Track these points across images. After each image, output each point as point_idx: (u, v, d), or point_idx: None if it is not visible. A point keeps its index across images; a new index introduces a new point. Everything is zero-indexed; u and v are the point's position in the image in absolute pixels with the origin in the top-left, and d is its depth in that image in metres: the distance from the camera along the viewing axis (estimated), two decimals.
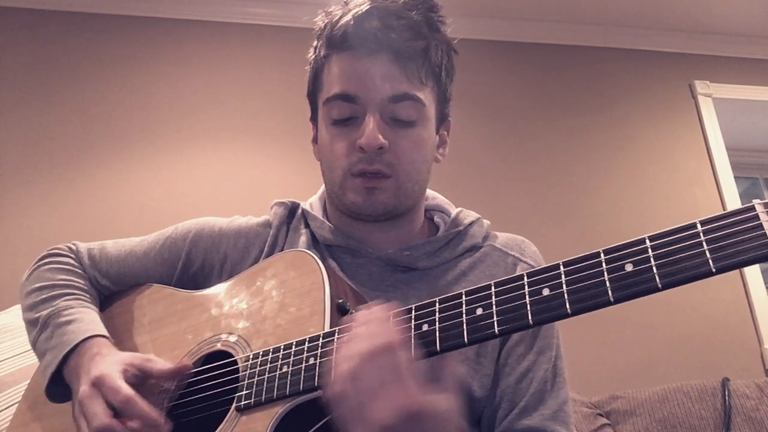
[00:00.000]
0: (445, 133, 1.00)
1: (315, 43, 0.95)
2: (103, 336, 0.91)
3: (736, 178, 2.82)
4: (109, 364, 0.82)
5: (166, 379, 0.85)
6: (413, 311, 0.68)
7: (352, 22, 0.86)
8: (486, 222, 1.02)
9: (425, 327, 0.66)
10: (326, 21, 0.92)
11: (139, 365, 0.84)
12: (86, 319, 0.93)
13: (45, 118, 2.42)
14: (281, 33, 2.69)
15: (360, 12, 0.86)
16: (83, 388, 0.81)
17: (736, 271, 2.62)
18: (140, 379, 0.84)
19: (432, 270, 0.94)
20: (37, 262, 1.05)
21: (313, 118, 1.00)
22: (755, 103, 2.99)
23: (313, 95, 0.97)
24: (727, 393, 1.97)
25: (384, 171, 0.87)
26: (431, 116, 0.93)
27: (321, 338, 0.73)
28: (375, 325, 0.64)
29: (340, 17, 0.89)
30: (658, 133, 2.87)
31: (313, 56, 0.95)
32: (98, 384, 0.80)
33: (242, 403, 0.75)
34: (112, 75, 2.54)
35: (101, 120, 2.46)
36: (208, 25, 2.69)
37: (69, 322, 0.92)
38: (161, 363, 0.85)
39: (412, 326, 0.66)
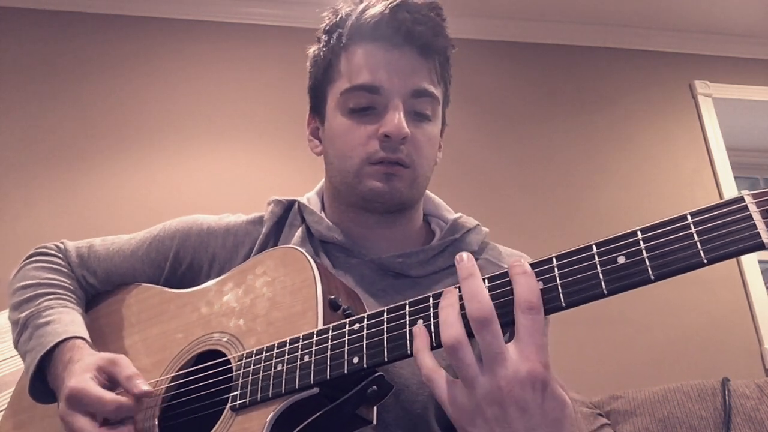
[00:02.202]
0: (440, 137, 1.00)
1: (325, 35, 0.95)
2: (81, 337, 0.89)
3: (736, 178, 2.82)
4: (80, 373, 0.80)
5: (131, 391, 0.80)
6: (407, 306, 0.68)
7: (387, 12, 0.87)
8: (484, 230, 1.01)
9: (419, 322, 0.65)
10: (344, 13, 0.92)
11: (105, 368, 0.82)
12: (65, 320, 0.91)
13: (45, 118, 2.42)
14: (281, 33, 2.69)
15: (393, 3, 0.87)
16: (61, 406, 0.80)
17: (737, 271, 2.62)
18: (110, 380, 0.82)
19: (424, 278, 0.93)
20: (24, 261, 1.04)
21: (317, 111, 0.99)
22: (755, 103, 2.98)
23: (320, 87, 0.96)
24: (727, 393, 1.97)
25: (404, 160, 0.88)
26: (440, 116, 0.95)
27: (315, 335, 0.72)
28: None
29: (367, 8, 0.89)
30: (658, 133, 2.86)
31: (324, 47, 0.94)
32: (73, 399, 0.78)
33: (237, 402, 0.75)
34: (112, 75, 2.54)
35: (101, 119, 2.46)
36: (208, 25, 2.69)
37: (47, 323, 0.90)
38: (126, 369, 0.81)
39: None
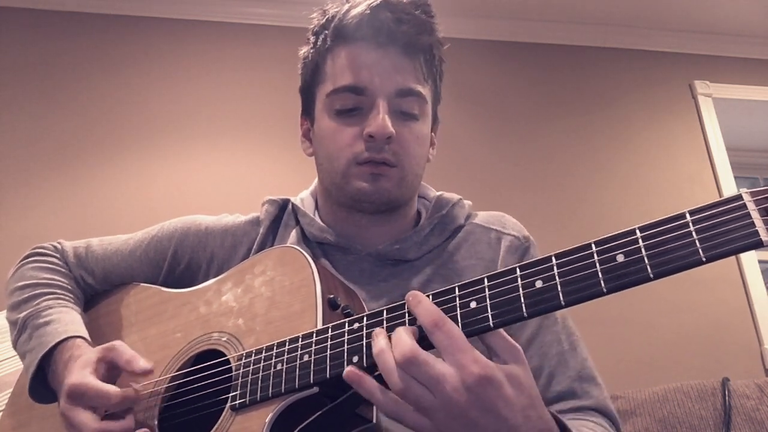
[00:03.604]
0: (434, 134, 1.01)
1: (313, 37, 0.95)
2: (81, 337, 0.89)
3: (736, 178, 2.82)
4: (80, 369, 0.81)
5: (133, 371, 0.82)
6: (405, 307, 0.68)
7: (368, 12, 0.87)
8: (467, 202, 1.03)
9: None
10: (330, 14, 0.92)
11: (104, 358, 0.82)
12: (64, 320, 0.91)
13: (45, 118, 2.42)
14: (281, 33, 2.69)
15: (374, 3, 0.88)
16: (62, 403, 0.80)
17: (737, 271, 2.62)
18: (110, 371, 0.83)
19: (421, 259, 0.94)
20: (21, 261, 1.04)
21: (307, 112, 0.99)
22: (755, 103, 2.98)
23: (309, 89, 0.97)
24: (727, 393, 1.97)
25: (390, 160, 0.88)
26: (429, 113, 0.95)
27: (315, 335, 0.72)
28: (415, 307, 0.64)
29: (350, 9, 0.89)
30: (658, 133, 2.86)
31: (312, 49, 0.95)
32: (74, 394, 0.79)
33: (237, 402, 0.75)
34: (112, 75, 2.54)
35: (101, 120, 2.46)
36: (208, 25, 2.69)
37: (47, 323, 0.90)
38: (125, 353, 0.82)
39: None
